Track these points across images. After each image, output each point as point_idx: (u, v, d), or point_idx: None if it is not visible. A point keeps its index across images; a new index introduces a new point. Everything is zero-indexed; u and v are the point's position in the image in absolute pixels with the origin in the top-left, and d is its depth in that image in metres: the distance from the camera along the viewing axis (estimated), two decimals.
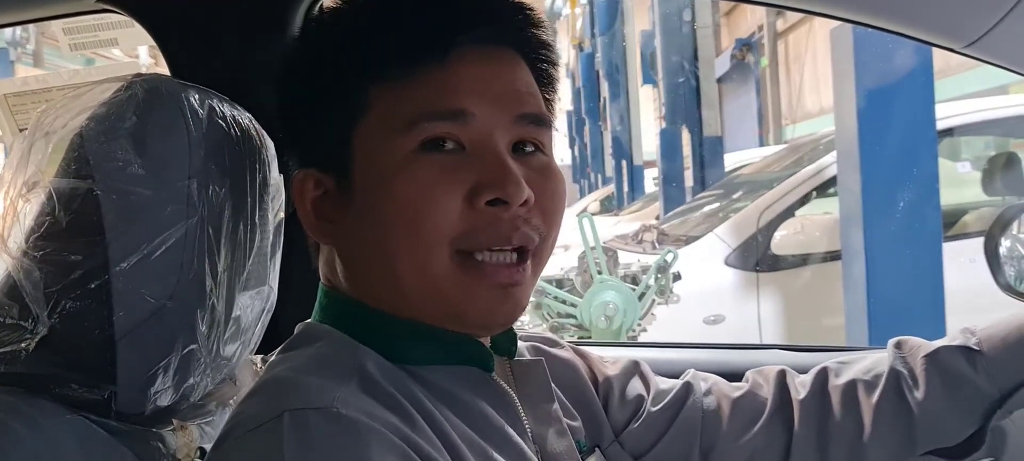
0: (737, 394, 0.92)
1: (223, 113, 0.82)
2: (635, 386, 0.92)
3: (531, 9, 0.77)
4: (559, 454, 0.79)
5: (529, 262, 0.73)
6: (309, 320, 0.79)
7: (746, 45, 13.63)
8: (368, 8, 0.73)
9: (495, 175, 0.70)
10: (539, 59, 0.77)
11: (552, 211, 0.74)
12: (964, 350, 0.86)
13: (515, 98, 0.73)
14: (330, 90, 0.73)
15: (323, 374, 0.68)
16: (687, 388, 0.92)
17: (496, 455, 0.70)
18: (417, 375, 0.72)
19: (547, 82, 0.78)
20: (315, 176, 0.75)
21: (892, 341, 0.91)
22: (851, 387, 0.90)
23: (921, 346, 0.89)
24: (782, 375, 0.94)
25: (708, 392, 0.93)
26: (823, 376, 0.92)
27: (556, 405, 0.82)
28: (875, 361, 0.91)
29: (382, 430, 0.62)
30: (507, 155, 0.71)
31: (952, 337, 0.88)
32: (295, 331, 0.79)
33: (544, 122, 0.75)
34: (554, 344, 0.93)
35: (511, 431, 0.74)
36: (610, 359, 0.95)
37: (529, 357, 0.84)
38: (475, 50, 0.72)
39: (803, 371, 1.32)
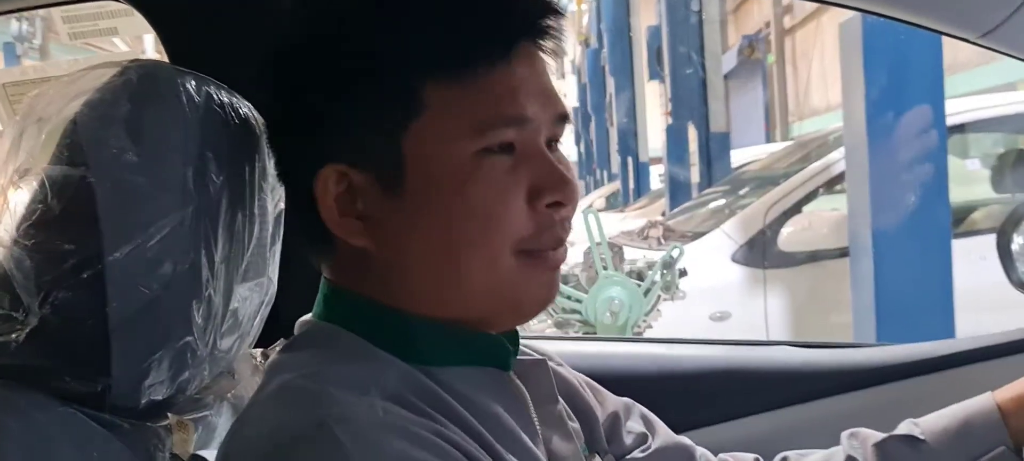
0: None
1: (221, 101, 0.81)
2: (637, 424, 0.93)
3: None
4: (564, 456, 0.78)
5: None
6: (309, 317, 0.77)
7: (753, 41, 13.59)
8: None
9: (554, 179, 0.71)
10: (549, 52, 0.76)
11: (574, 204, 0.76)
12: (909, 439, 0.92)
13: (554, 98, 0.74)
14: (374, 84, 0.70)
15: (342, 382, 0.66)
16: (692, 453, 0.94)
17: (511, 458, 0.69)
18: (435, 377, 0.71)
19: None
20: (340, 171, 0.71)
21: (846, 432, 0.96)
22: None
23: (872, 435, 0.94)
24: None
25: None
26: None
27: (561, 405, 0.81)
28: (831, 452, 0.96)
29: (427, 434, 0.63)
30: (552, 157, 0.73)
31: (900, 428, 0.94)
32: (296, 329, 0.77)
33: (568, 119, 0.76)
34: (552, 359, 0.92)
35: (522, 433, 0.73)
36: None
37: (533, 356, 0.83)
38: (528, 47, 0.72)
39: (812, 368, 1.32)
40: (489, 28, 0.69)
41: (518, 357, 0.80)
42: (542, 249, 0.72)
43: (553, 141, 0.74)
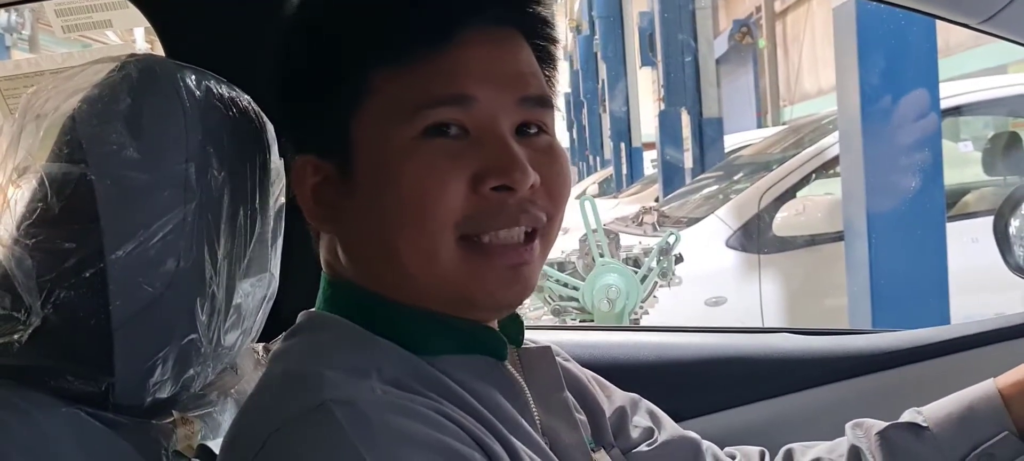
0: None
1: (221, 94, 0.80)
2: (644, 419, 0.93)
3: None
4: (569, 447, 0.78)
5: (537, 242, 0.73)
6: (313, 309, 0.77)
7: (744, 26, 13.56)
8: None
9: (501, 160, 0.69)
10: (539, 36, 0.76)
11: (558, 192, 0.74)
12: (912, 426, 0.92)
13: (518, 80, 0.72)
14: (328, 75, 0.71)
15: (342, 367, 0.66)
16: (698, 446, 0.94)
17: (516, 442, 0.69)
18: (432, 364, 0.71)
19: (547, 60, 0.77)
20: (314, 162, 0.73)
21: (850, 423, 0.96)
22: None
23: (875, 425, 0.94)
24: (762, 455, 0.99)
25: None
26: (789, 457, 0.97)
27: (566, 393, 0.81)
28: (836, 442, 0.97)
29: (427, 411, 0.63)
30: (512, 139, 0.70)
31: (903, 416, 0.95)
32: (297, 320, 0.77)
33: (547, 103, 0.74)
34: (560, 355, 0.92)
35: (523, 421, 0.73)
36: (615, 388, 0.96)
37: (538, 344, 0.83)
38: (478, 32, 0.70)
39: (812, 355, 1.32)
40: (428, 12, 0.69)
41: (523, 346, 0.80)
42: (485, 232, 0.69)
43: (528, 126, 0.73)
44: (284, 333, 0.77)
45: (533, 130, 0.73)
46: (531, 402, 0.76)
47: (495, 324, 0.77)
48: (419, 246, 0.69)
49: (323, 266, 0.78)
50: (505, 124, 0.71)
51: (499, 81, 0.71)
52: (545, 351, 0.81)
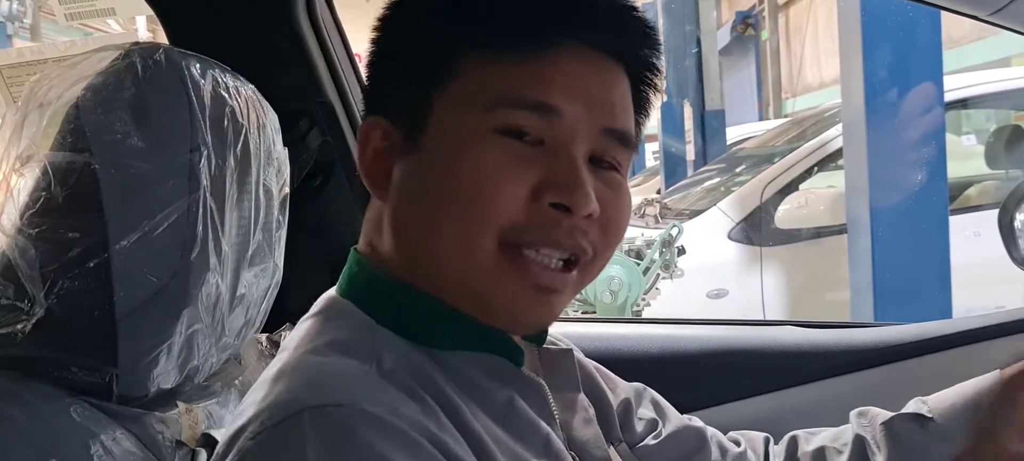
0: (736, 451, 0.96)
1: (225, 83, 0.79)
2: (648, 410, 0.92)
3: (652, 28, 0.74)
4: (586, 442, 0.77)
5: (575, 272, 0.71)
6: (333, 291, 0.76)
7: (747, 18, 13.52)
8: None
9: (566, 178, 0.67)
10: (642, 81, 0.75)
11: (614, 229, 0.72)
12: (917, 417, 0.92)
13: (607, 108, 0.70)
14: (422, 47, 0.71)
15: (341, 363, 0.66)
16: (703, 435, 0.94)
17: (520, 449, 0.68)
18: (442, 361, 0.70)
19: (643, 106, 0.76)
20: (384, 126, 0.72)
21: (854, 411, 0.96)
22: (820, 453, 0.95)
23: (880, 414, 0.94)
24: (766, 441, 0.98)
25: (723, 449, 0.95)
26: (794, 444, 0.97)
27: (582, 394, 0.81)
28: (841, 430, 0.96)
29: (405, 428, 0.60)
30: (582, 163, 0.69)
31: (908, 406, 0.94)
32: (319, 300, 0.75)
33: (629, 143, 0.72)
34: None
35: (538, 420, 0.72)
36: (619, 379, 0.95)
37: (560, 346, 0.82)
38: (581, 48, 0.69)
39: (817, 348, 1.32)
40: (537, 12, 0.68)
41: (544, 345, 0.80)
42: (527, 246, 0.68)
43: (603, 160, 0.71)
44: (306, 314, 0.75)
45: (606, 164, 0.72)
46: (550, 399, 0.75)
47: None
48: (458, 235, 0.68)
49: (361, 238, 0.76)
50: (581, 146, 0.69)
51: (589, 102, 0.69)
52: (567, 353, 0.81)
